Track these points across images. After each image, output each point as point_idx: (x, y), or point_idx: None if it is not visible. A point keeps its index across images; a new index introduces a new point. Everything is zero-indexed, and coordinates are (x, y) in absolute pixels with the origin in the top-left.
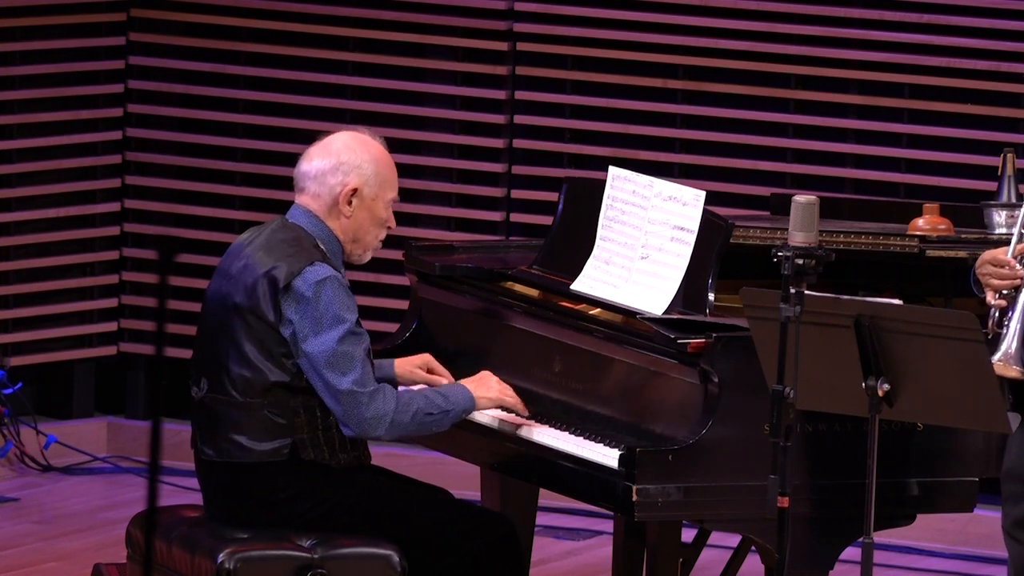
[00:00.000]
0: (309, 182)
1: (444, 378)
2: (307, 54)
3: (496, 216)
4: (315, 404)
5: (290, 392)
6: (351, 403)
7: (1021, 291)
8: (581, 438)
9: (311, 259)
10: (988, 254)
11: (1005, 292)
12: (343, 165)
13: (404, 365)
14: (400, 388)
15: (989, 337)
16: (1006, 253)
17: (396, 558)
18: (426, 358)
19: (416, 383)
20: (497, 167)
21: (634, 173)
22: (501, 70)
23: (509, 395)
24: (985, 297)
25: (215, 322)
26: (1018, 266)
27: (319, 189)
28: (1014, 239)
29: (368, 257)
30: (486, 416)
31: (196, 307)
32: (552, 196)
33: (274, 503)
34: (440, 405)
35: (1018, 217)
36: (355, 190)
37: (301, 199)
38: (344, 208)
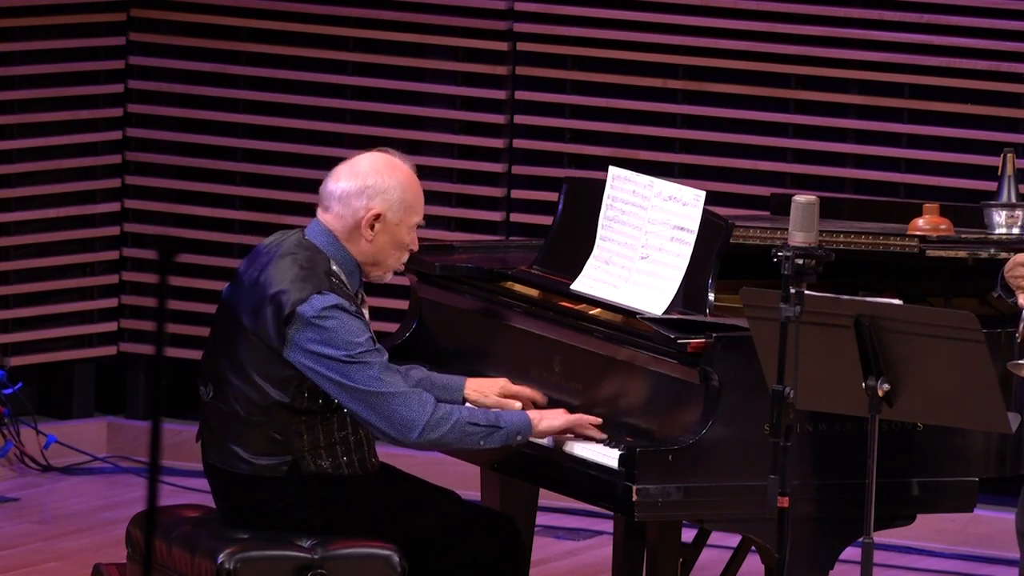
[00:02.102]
0: (334, 202)
1: (516, 402)
2: (307, 54)
3: (496, 216)
4: (317, 422)
5: (292, 412)
6: (382, 405)
7: None
8: (581, 438)
9: (319, 287)
10: (1021, 256)
11: None
12: (369, 188)
13: (475, 386)
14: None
15: (1019, 341)
16: None
17: (396, 558)
18: (502, 382)
19: (489, 406)
20: (497, 167)
21: (634, 173)
22: (501, 70)
23: (578, 423)
24: (1015, 301)
25: (223, 333)
26: None
27: (343, 211)
28: None
29: (388, 278)
30: None
31: (196, 307)
32: (552, 196)
33: (274, 511)
34: (489, 420)
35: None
36: (379, 215)
37: (324, 217)
38: (366, 232)
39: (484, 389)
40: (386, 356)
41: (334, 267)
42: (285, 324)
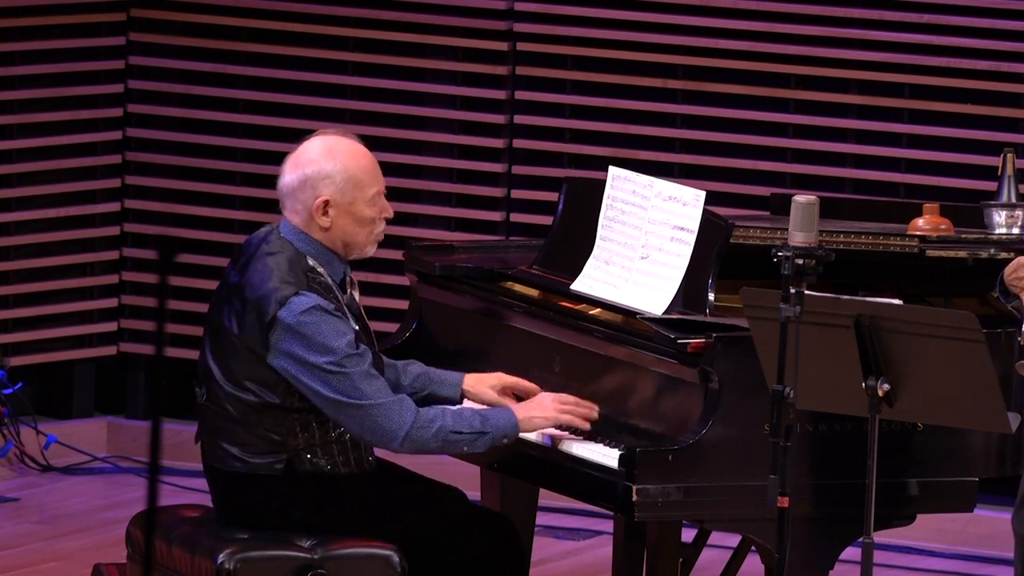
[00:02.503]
0: (286, 199)
1: (511, 399)
2: (307, 54)
3: (496, 216)
4: (312, 420)
5: (285, 411)
6: (361, 416)
7: None
8: (581, 438)
9: (297, 288)
10: (1023, 259)
11: None
12: (310, 179)
13: (475, 383)
14: (455, 406)
15: (1022, 342)
16: None
17: (396, 558)
18: (499, 376)
19: (486, 401)
20: (497, 167)
21: (634, 173)
22: (501, 70)
23: (566, 413)
24: (1015, 305)
25: (211, 336)
26: None
27: (295, 205)
28: None
29: (372, 251)
30: None
31: (196, 307)
32: (552, 196)
33: (269, 510)
34: (475, 426)
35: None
36: (327, 201)
37: (286, 214)
38: (321, 220)
39: (482, 383)
40: (368, 359)
41: (310, 262)
42: (268, 330)
